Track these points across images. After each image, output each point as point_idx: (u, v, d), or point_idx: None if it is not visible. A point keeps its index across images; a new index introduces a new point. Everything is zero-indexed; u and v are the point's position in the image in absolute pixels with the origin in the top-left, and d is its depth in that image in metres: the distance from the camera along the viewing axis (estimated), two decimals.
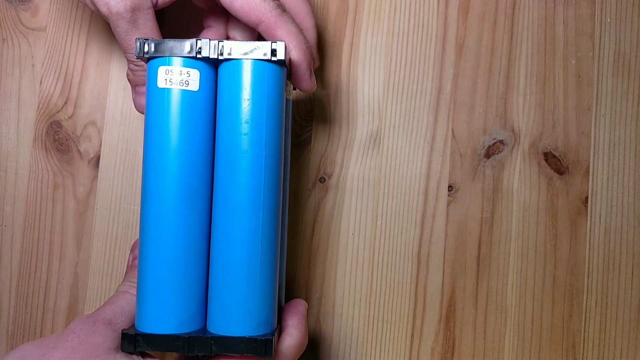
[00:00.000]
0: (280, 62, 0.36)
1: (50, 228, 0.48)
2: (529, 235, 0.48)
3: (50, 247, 0.48)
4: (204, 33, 0.43)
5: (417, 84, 0.49)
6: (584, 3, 0.50)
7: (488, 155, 0.49)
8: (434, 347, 0.48)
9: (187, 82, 0.35)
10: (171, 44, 0.35)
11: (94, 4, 0.38)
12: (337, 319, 0.48)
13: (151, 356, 0.36)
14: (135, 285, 0.39)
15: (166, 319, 0.35)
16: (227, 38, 0.44)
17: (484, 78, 0.49)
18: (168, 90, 0.35)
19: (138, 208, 0.48)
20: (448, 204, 0.48)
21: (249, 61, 0.35)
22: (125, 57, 0.40)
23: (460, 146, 0.49)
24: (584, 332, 0.48)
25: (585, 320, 0.48)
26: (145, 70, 0.40)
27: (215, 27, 0.43)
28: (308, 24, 0.43)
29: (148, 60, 0.36)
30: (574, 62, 0.49)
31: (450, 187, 0.49)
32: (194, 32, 0.48)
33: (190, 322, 0.35)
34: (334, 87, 0.49)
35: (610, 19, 0.50)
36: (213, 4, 0.43)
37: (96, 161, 0.48)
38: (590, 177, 0.49)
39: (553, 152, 0.49)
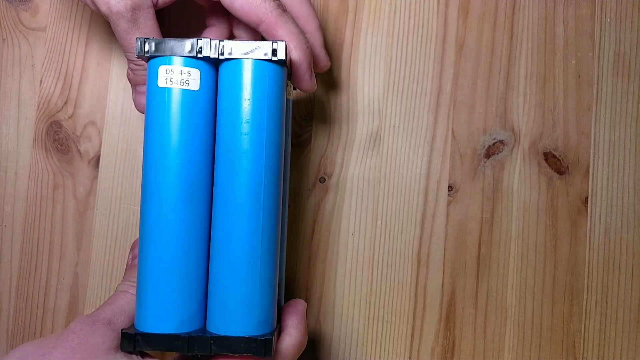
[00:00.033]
0: (281, 62, 0.36)
1: (50, 228, 0.48)
2: (529, 235, 0.48)
3: (50, 247, 0.48)
4: (206, 32, 0.43)
5: (417, 84, 0.49)
6: (584, 3, 0.50)
7: (488, 155, 0.49)
8: (434, 347, 0.48)
9: (187, 82, 0.35)
10: (172, 43, 0.35)
11: (94, 4, 0.38)
12: (337, 319, 0.48)
13: (150, 356, 0.36)
14: (135, 284, 0.39)
15: (166, 318, 0.35)
16: (230, 37, 0.44)
17: (484, 78, 0.49)
18: (168, 89, 0.35)
19: (138, 208, 0.48)
20: (448, 204, 0.48)
21: (250, 61, 0.35)
22: (126, 56, 0.40)
23: (460, 146, 0.49)
24: (584, 332, 0.48)
25: (585, 320, 0.48)
26: (145, 70, 0.40)
27: (217, 25, 0.43)
28: (311, 26, 0.43)
29: (148, 59, 0.36)
30: (574, 62, 0.49)
31: (450, 187, 0.49)
32: (194, 31, 0.49)
33: (189, 322, 0.35)
34: (334, 87, 0.49)
35: (610, 19, 0.50)
36: (215, 3, 0.43)
37: (96, 161, 0.48)
38: (590, 177, 0.49)
39: (553, 152, 0.49)
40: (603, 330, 0.48)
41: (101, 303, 0.45)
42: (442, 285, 0.48)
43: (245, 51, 0.35)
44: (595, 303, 0.48)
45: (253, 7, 0.38)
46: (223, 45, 0.35)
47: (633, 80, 0.49)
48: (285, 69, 0.37)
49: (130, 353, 0.35)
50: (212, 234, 0.36)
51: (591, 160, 0.49)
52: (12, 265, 0.48)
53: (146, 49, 0.35)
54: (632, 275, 0.48)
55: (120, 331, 0.35)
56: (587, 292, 0.48)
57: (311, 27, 0.43)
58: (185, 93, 0.35)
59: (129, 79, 0.42)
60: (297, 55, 0.39)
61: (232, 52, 0.35)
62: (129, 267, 0.41)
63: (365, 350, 0.48)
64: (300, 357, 0.39)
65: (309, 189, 0.49)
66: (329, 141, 0.49)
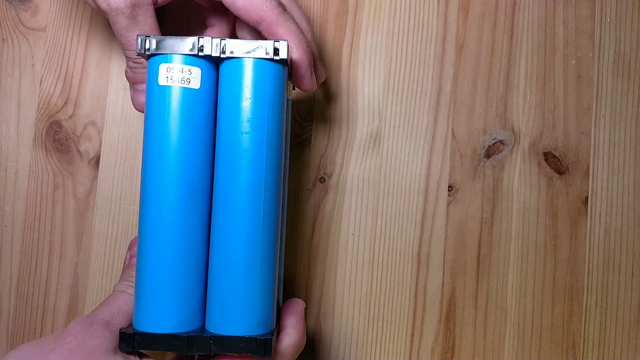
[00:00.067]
0: (282, 61, 0.36)
1: (50, 228, 0.48)
2: (529, 235, 0.48)
3: (50, 247, 0.48)
4: (207, 32, 0.43)
5: (417, 84, 0.49)
6: (584, 3, 0.50)
7: (488, 155, 0.49)
8: (434, 347, 0.48)
9: (188, 80, 0.35)
10: (173, 41, 0.35)
11: (94, 1, 0.38)
12: (337, 319, 0.48)
13: (148, 357, 0.36)
14: (133, 284, 0.38)
15: (165, 318, 0.35)
16: (231, 37, 0.44)
17: (484, 78, 0.49)
18: (169, 87, 0.35)
19: (138, 208, 0.48)
20: (448, 204, 0.48)
21: (251, 60, 0.35)
22: (124, 54, 0.40)
23: (460, 146, 0.49)
24: (584, 332, 0.48)
25: (585, 320, 0.48)
26: (144, 68, 0.40)
27: (218, 25, 0.43)
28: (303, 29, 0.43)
29: (148, 57, 0.36)
30: (574, 62, 0.49)
31: (450, 187, 0.49)
32: (194, 31, 0.49)
33: (188, 322, 0.35)
34: (334, 87, 0.49)
35: (610, 19, 0.50)
36: (215, 3, 0.43)
37: (96, 161, 0.48)
38: (590, 177, 0.49)
39: (553, 152, 0.49)
40: (603, 330, 0.48)
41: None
42: (442, 285, 0.48)
43: (246, 50, 0.35)
44: (595, 303, 0.48)
45: (254, 5, 0.38)
46: (224, 44, 0.35)
47: (633, 80, 0.49)
48: (287, 68, 0.37)
49: (129, 353, 0.35)
50: (212, 233, 0.36)
51: (591, 160, 0.49)
52: (12, 265, 0.48)
53: (147, 46, 0.35)
54: (632, 275, 0.48)
55: (117, 332, 0.35)
56: (587, 292, 0.48)
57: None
58: (186, 91, 0.35)
59: (127, 77, 0.42)
60: (297, 54, 0.39)
61: (234, 51, 0.35)
62: (126, 267, 0.41)
63: (365, 350, 0.48)
64: (300, 357, 0.39)
65: (309, 189, 0.49)
66: (329, 141, 0.49)
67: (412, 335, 0.48)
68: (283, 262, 0.42)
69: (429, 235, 0.48)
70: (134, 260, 0.40)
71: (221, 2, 0.39)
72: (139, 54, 0.35)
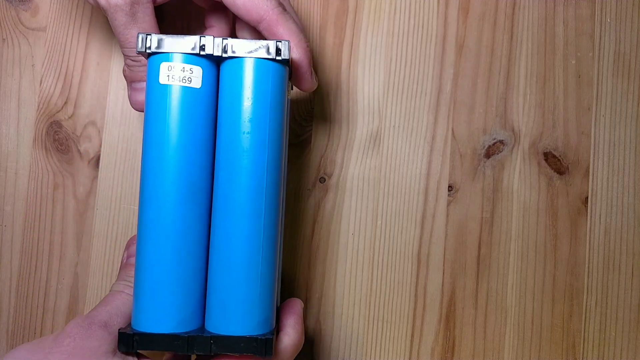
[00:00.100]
0: (284, 61, 0.36)
1: (50, 228, 0.48)
2: (529, 235, 0.48)
3: (50, 247, 0.48)
4: (206, 33, 0.43)
5: (417, 84, 0.49)
6: (584, 3, 0.50)
7: (488, 155, 0.49)
8: (434, 347, 0.48)
9: (189, 79, 0.35)
10: (174, 39, 0.35)
11: None
12: (337, 319, 0.48)
13: (147, 358, 0.36)
14: (131, 284, 0.38)
15: (165, 318, 0.35)
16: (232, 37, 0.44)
17: (484, 78, 0.49)
18: (170, 86, 0.34)
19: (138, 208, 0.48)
20: (448, 204, 0.48)
21: (253, 59, 0.35)
22: (122, 52, 0.40)
23: (460, 146, 0.49)
24: (584, 332, 0.48)
25: (585, 320, 0.48)
26: (142, 66, 0.40)
27: (217, 26, 0.43)
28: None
29: (149, 56, 0.35)
30: (574, 62, 0.49)
31: (450, 187, 0.49)
32: (193, 32, 0.48)
33: (188, 321, 0.35)
34: (334, 87, 0.49)
35: (610, 19, 0.50)
36: (214, 3, 0.43)
37: (96, 161, 0.48)
38: (590, 177, 0.49)
39: (553, 152, 0.49)
40: (603, 330, 0.48)
41: None
42: (442, 285, 0.48)
43: (248, 50, 0.35)
44: (595, 303, 0.48)
45: (254, 4, 0.38)
46: (226, 44, 0.35)
47: (633, 80, 0.49)
48: (288, 68, 0.37)
49: (127, 354, 0.35)
50: (212, 233, 0.36)
51: (591, 160, 0.49)
52: (12, 265, 0.48)
53: (148, 44, 0.35)
54: (632, 275, 0.48)
55: (115, 333, 0.35)
56: (587, 292, 0.48)
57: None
58: (187, 90, 0.35)
59: (124, 76, 0.41)
60: (297, 54, 0.39)
61: (235, 50, 0.35)
62: (123, 266, 0.41)
63: (365, 350, 0.48)
64: (299, 357, 0.39)
65: (309, 189, 0.49)
66: (329, 141, 0.49)
67: (412, 335, 0.48)
68: (281, 261, 0.42)
69: (429, 235, 0.48)
70: (132, 259, 0.40)
71: (220, 3, 0.39)
72: (139, 53, 0.35)
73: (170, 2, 0.43)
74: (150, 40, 0.35)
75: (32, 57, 0.49)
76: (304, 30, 0.42)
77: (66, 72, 0.49)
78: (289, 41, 0.35)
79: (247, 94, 0.35)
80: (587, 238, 0.48)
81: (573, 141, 0.49)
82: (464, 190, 0.48)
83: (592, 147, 0.49)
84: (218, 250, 0.35)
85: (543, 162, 0.49)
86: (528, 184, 0.49)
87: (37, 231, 0.48)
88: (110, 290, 0.39)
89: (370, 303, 0.48)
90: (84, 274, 0.48)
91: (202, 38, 0.35)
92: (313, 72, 0.41)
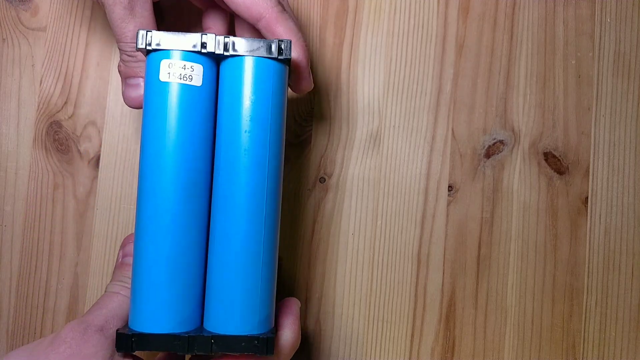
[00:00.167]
0: (285, 61, 0.36)
1: (50, 228, 0.48)
2: (529, 235, 0.48)
3: (50, 247, 0.48)
4: None
5: (417, 84, 0.49)
6: (584, 3, 0.50)
7: (488, 155, 0.49)
8: (434, 347, 0.48)
9: (190, 77, 0.35)
10: (176, 37, 0.35)
11: None
12: (337, 319, 0.48)
13: (140, 359, 0.36)
14: (126, 285, 0.38)
15: (164, 317, 0.34)
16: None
17: (484, 78, 0.49)
18: (170, 84, 0.34)
19: None
20: (448, 204, 0.48)
21: (254, 58, 0.35)
22: (118, 46, 0.39)
23: (460, 146, 0.49)
24: (584, 332, 0.48)
25: (585, 320, 0.48)
26: (138, 62, 0.39)
27: (214, 28, 0.43)
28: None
29: (148, 52, 0.35)
30: (574, 62, 0.49)
31: (450, 187, 0.49)
32: (192, 31, 0.48)
33: (188, 321, 0.35)
34: (334, 87, 0.49)
35: (610, 19, 0.50)
36: (212, 4, 0.43)
37: (96, 161, 0.48)
38: (590, 177, 0.49)
39: (553, 152, 0.49)
40: (603, 330, 0.48)
41: None
42: (442, 285, 0.48)
43: (250, 48, 0.35)
44: (595, 303, 0.48)
45: (254, 2, 0.38)
46: (227, 42, 0.35)
47: (633, 80, 0.49)
48: (288, 67, 0.37)
49: (126, 355, 0.35)
50: (212, 232, 0.36)
51: (591, 160, 0.49)
52: (12, 265, 0.48)
53: (148, 41, 0.35)
54: (632, 275, 0.48)
55: (112, 337, 0.35)
56: (587, 292, 0.48)
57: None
58: (187, 88, 0.34)
59: (119, 71, 0.41)
60: (296, 53, 0.38)
61: (237, 49, 0.35)
62: (119, 265, 0.40)
63: (365, 350, 0.48)
64: (299, 357, 0.39)
65: (309, 189, 0.49)
66: (329, 141, 0.49)
67: (412, 335, 0.48)
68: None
69: (429, 235, 0.48)
70: (127, 259, 0.40)
71: (217, 5, 0.39)
72: (138, 49, 0.35)
73: (168, 3, 0.43)
74: (151, 37, 0.35)
75: (32, 57, 0.49)
76: (301, 29, 0.42)
77: (66, 72, 0.49)
78: (290, 40, 0.35)
79: (248, 92, 0.35)
80: (587, 238, 0.48)
81: (573, 141, 0.49)
82: (464, 190, 0.49)
83: (592, 147, 0.49)
84: (218, 249, 0.35)
85: (543, 162, 0.49)
86: (528, 184, 0.49)
87: (37, 231, 0.48)
88: (105, 291, 0.38)
89: (370, 303, 0.48)
90: (84, 274, 0.48)
91: (203, 36, 0.35)
92: (310, 72, 0.40)
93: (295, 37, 0.38)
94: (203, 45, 0.35)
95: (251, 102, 0.35)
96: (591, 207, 0.49)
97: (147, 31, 0.35)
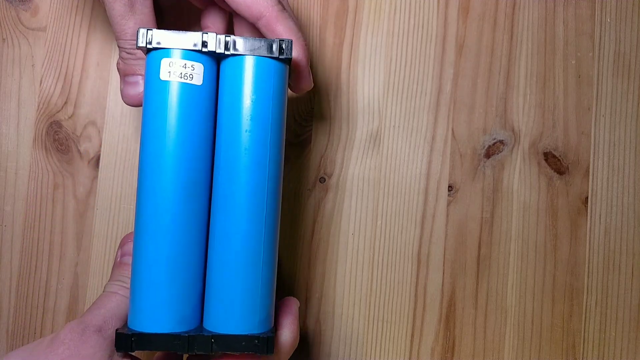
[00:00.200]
0: (286, 60, 0.36)
1: (50, 228, 0.48)
2: (529, 235, 0.48)
3: (50, 247, 0.48)
4: None
5: (417, 84, 0.49)
6: (584, 3, 0.50)
7: (488, 155, 0.49)
8: (434, 347, 0.48)
9: (191, 76, 0.34)
10: (177, 35, 0.34)
11: None
12: (337, 319, 0.48)
13: (138, 358, 0.36)
14: (125, 284, 0.38)
15: (164, 317, 0.34)
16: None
17: (484, 78, 0.49)
18: (170, 83, 0.34)
19: None
20: (448, 204, 0.48)
21: (255, 58, 0.35)
22: (118, 43, 0.39)
23: (460, 146, 0.49)
24: (584, 332, 0.48)
25: (585, 320, 0.48)
26: (137, 59, 0.39)
27: (213, 27, 0.43)
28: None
29: (148, 51, 0.35)
30: (574, 62, 0.49)
31: (450, 187, 0.49)
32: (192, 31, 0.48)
33: (187, 321, 0.35)
34: (334, 87, 0.49)
35: (610, 19, 0.50)
36: (211, 3, 0.43)
37: (96, 161, 0.48)
38: (590, 177, 0.49)
39: (553, 152, 0.49)
40: (603, 330, 0.48)
41: None
42: (442, 285, 0.48)
43: (251, 48, 0.35)
44: (595, 303, 0.48)
45: (255, 0, 0.38)
46: (228, 41, 0.35)
47: (633, 80, 0.49)
48: (289, 67, 0.37)
49: (125, 355, 0.35)
50: (212, 231, 0.36)
51: (591, 160, 0.49)
52: (12, 265, 0.48)
53: (149, 39, 0.34)
54: (632, 275, 0.48)
55: (111, 338, 0.34)
56: (587, 292, 0.48)
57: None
58: (188, 87, 0.34)
59: (118, 69, 0.41)
60: (296, 52, 0.38)
61: (238, 48, 0.35)
62: (117, 265, 0.40)
63: (365, 350, 0.48)
64: (300, 357, 0.39)
65: (309, 189, 0.49)
66: (329, 141, 0.49)
67: (412, 335, 0.48)
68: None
69: (429, 235, 0.48)
70: (126, 258, 0.40)
71: (216, 4, 0.39)
72: (139, 48, 0.35)
73: (168, 3, 0.43)
74: (152, 35, 0.34)
75: (32, 57, 0.49)
76: (301, 29, 0.42)
77: (66, 72, 0.49)
78: (292, 40, 0.35)
79: (249, 92, 0.35)
80: (587, 238, 0.48)
81: (573, 141, 0.49)
82: (464, 190, 0.49)
83: (592, 147, 0.49)
84: (219, 249, 0.35)
85: (543, 162, 0.49)
86: (528, 184, 0.49)
87: (37, 231, 0.48)
88: (103, 291, 0.38)
89: (370, 303, 0.48)
90: (84, 274, 0.48)
91: (204, 35, 0.35)
92: (310, 71, 0.40)
93: (295, 36, 0.38)
94: (204, 44, 0.35)
95: (252, 101, 0.35)
96: (591, 207, 0.49)
97: (147, 30, 0.34)
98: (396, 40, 0.49)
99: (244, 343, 0.34)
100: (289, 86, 0.41)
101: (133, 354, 0.36)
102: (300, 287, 0.48)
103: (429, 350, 0.48)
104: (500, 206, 0.48)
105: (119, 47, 0.39)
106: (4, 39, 0.49)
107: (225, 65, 0.36)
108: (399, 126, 0.49)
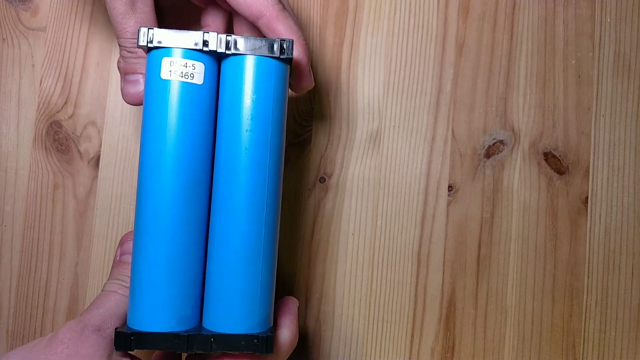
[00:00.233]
0: (287, 60, 0.36)
1: (50, 228, 0.48)
2: (529, 235, 0.48)
3: (50, 247, 0.48)
4: None
5: (417, 84, 0.49)
6: (584, 3, 0.50)
7: (488, 155, 0.49)
8: (434, 347, 0.48)
9: (192, 75, 0.34)
10: (177, 34, 0.34)
11: None
12: (337, 319, 0.48)
13: (137, 358, 0.36)
14: (124, 283, 0.38)
15: (163, 316, 0.34)
16: None
17: (484, 78, 0.49)
18: (171, 82, 0.34)
19: None
20: (448, 204, 0.48)
21: (256, 57, 0.35)
22: (118, 42, 0.39)
23: (460, 146, 0.49)
24: (584, 332, 0.48)
25: (585, 320, 0.48)
26: (138, 58, 0.39)
27: (213, 26, 0.43)
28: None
29: (149, 50, 0.35)
30: (574, 62, 0.49)
31: (450, 187, 0.49)
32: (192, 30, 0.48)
33: (187, 320, 0.35)
34: (334, 87, 0.49)
35: (610, 19, 0.50)
36: (211, 2, 0.43)
37: (96, 161, 0.48)
38: (590, 177, 0.49)
39: (553, 152, 0.49)
40: (603, 330, 0.48)
41: None
42: (442, 285, 0.48)
43: (252, 47, 0.35)
44: (595, 303, 0.48)
45: (255, 0, 0.38)
46: (229, 40, 0.35)
47: (633, 80, 0.49)
48: (289, 66, 0.37)
49: (124, 354, 0.35)
50: (212, 231, 0.36)
51: (591, 160, 0.49)
52: (12, 265, 0.48)
53: (150, 38, 0.34)
54: (632, 275, 0.48)
55: (110, 337, 0.34)
56: (587, 292, 0.48)
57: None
58: (188, 86, 0.34)
59: (118, 67, 0.41)
60: (297, 52, 0.38)
61: (239, 47, 0.35)
62: (116, 264, 0.40)
63: (365, 350, 0.48)
64: (299, 357, 0.39)
65: (309, 189, 0.49)
66: (329, 141, 0.49)
67: (412, 335, 0.48)
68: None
69: (429, 235, 0.48)
70: (125, 257, 0.39)
71: (216, 3, 0.39)
72: (140, 47, 0.35)
73: (168, 2, 0.43)
74: (153, 34, 0.34)
75: (32, 57, 0.49)
76: (301, 28, 0.42)
77: (66, 72, 0.49)
78: (292, 40, 0.35)
79: (250, 91, 0.35)
80: (587, 238, 0.48)
81: (573, 141, 0.49)
82: (464, 190, 0.48)
83: (592, 147, 0.49)
84: (219, 248, 0.35)
85: (543, 162, 0.49)
86: (528, 184, 0.49)
87: (37, 231, 0.48)
88: (102, 290, 0.38)
89: (370, 303, 0.48)
90: (84, 274, 0.48)
91: (205, 34, 0.34)
92: (310, 70, 0.40)
93: (296, 35, 0.38)
94: (205, 43, 0.35)
95: (252, 101, 0.35)
96: (591, 207, 0.49)
97: (148, 28, 0.34)
98: (396, 40, 0.49)
99: (243, 342, 0.34)
100: (290, 86, 0.41)
101: (132, 353, 0.36)
102: (300, 287, 0.48)
103: (429, 350, 0.48)
104: (500, 206, 0.48)
105: (119, 45, 0.39)
106: (4, 39, 0.49)
107: (226, 64, 0.36)
108: (399, 126, 0.49)
